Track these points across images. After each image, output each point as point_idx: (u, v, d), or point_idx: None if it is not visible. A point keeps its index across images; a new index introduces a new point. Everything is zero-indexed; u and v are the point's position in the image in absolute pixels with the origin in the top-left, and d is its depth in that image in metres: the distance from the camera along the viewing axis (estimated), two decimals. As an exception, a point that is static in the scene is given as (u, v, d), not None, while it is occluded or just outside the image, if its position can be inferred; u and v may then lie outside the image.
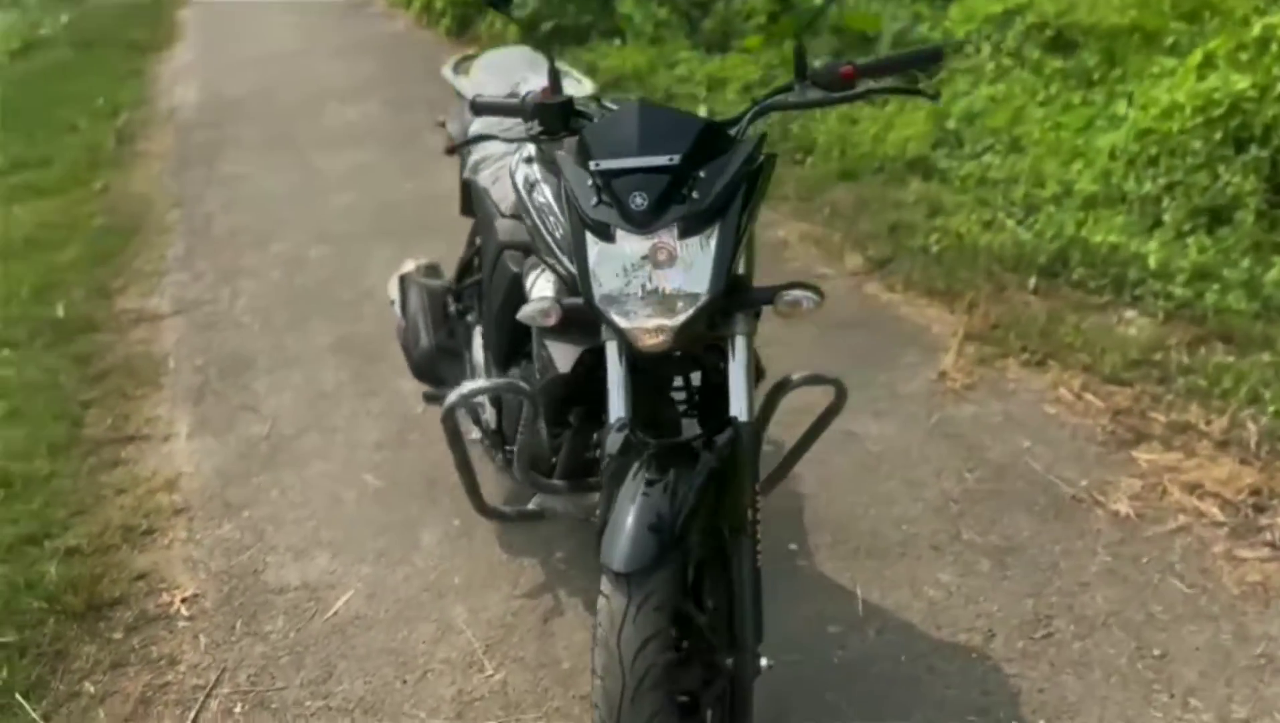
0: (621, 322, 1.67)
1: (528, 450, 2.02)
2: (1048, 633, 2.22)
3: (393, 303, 2.87)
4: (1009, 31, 6.04)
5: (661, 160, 1.61)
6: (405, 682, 2.31)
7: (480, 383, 1.98)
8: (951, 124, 4.91)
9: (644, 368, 1.85)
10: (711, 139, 1.68)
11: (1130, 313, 3.37)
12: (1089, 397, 2.96)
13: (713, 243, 1.65)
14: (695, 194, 1.64)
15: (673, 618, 1.58)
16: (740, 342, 1.78)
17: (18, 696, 2.40)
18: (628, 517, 1.59)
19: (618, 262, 1.67)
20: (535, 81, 2.77)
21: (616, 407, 1.80)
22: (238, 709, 2.31)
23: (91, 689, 2.41)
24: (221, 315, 4.23)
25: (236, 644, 2.49)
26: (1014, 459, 2.75)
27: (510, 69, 2.89)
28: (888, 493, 2.68)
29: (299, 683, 2.35)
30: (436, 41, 8.67)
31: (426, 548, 2.69)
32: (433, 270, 2.91)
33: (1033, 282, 3.55)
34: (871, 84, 1.84)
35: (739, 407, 1.76)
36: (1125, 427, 2.83)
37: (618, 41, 6.73)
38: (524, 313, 1.84)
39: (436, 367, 2.72)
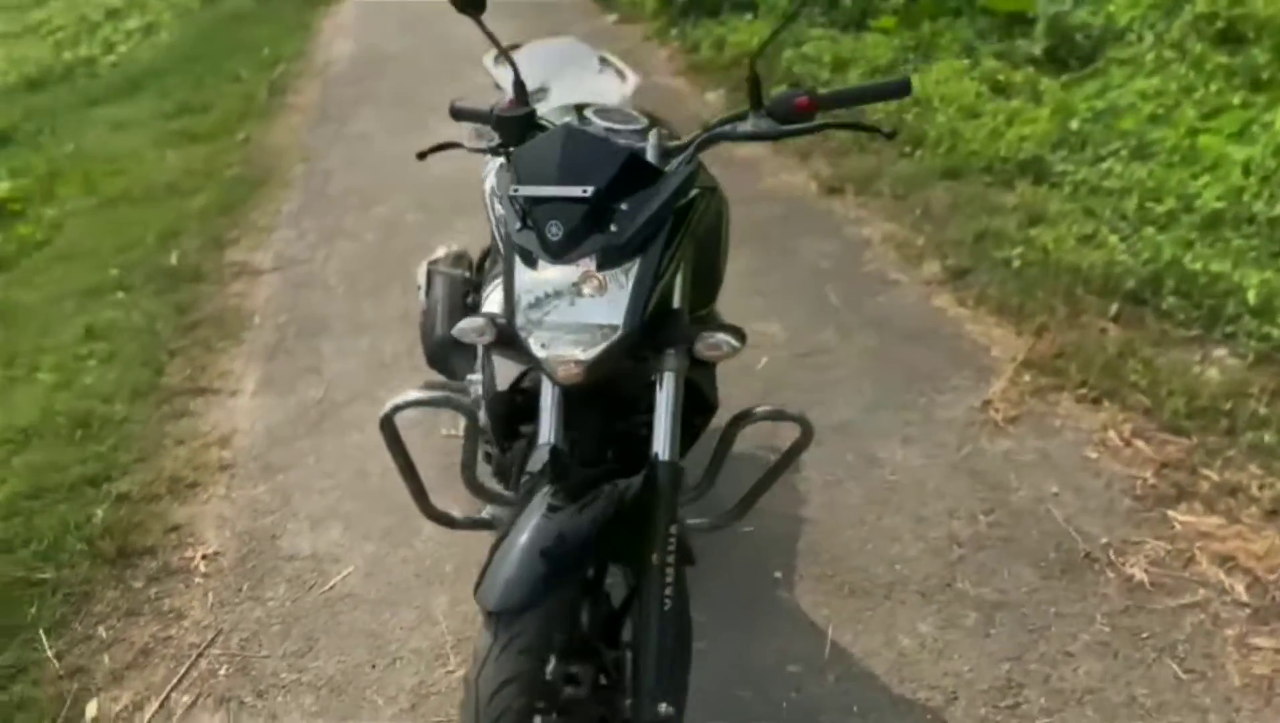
0: (538, 351, 1.65)
1: (471, 463, 2.02)
2: (1015, 703, 2.09)
3: (419, 288, 2.92)
4: (1175, 21, 5.61)
5: (576, 191, 1.57)
6: (374, 666, 2.38)
7: (418, 394, 1.99)
8: (1076, 124, 4.60)
9: (598, 393, 1.83)
10: (637, 170, 1.63)
11: (1218, 352, 3.10)
12: (1138, 444, 2.75)
13: (631, 278, 1.61)
14: (614, 227, 1.60)
15: (541, 660, 1.56)
16: (669, 378, 1.73)
17: (41, 631, 2.59)
18: (513, 551, 1.57)
19: (539, 288, 1.65)
20: (568, 78, 2.76)
21: (546, 430, 1.79)
22: (222, 672, 2.43)
23: (104, 634, 2.58)
24: (313, 275, 4.41)
25: (238, 607, 2.62)
26: (1036, 505, 2.59)
27: (549, 63, 2.87)
28: (891, 528, 2.57)
29: (280, 654, 2.45)
30: (583, 7, 8.69)
31: (429, 533, 2.74)
32: (460, 259, 2.95)
33: (1114, 308, 3.31)
34: (827, 118, 1.74)
35: (661, 444, 1.71)
36: (1169, 482, 2.61)
37: (750, 16, 6.58)
38: (459, 329, 1.83)
39: (449, 357, 2.75)
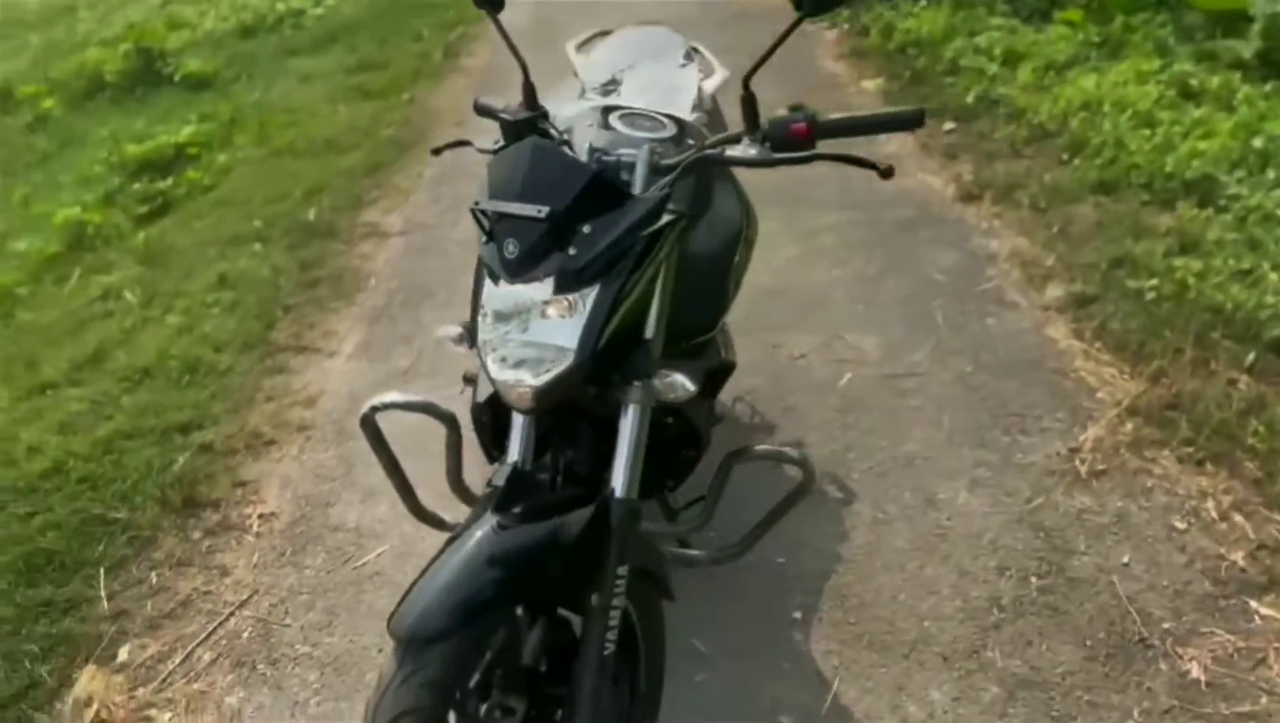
0: (493, 370, 1.59)
1: (455, 469, 1.99)
2: (1013, 798, 1.90)
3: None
4: None
5: (532, 210, 1.49)
6: (380, 651, 2.40)
7: (398, 397, 1.96)
8: (1261, 141, 4.13)
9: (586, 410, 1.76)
10: (603, 192, 1.53)
11: (1363, 424, 2.72)
12: (1237, 518, 2.44)
13: (588, 305, 1.52)
14: (574, 250, 1.51)
15: (446, 696, 1.51)
16: (632, 411, 1.64)
17: (101, 570, 2.75)
18: (436, 577, 1.52)
19: (499, 305, 1.58)
20: (645, 70, 2.65)
21: (514, 448, 1.73)
22: (245, 634, 2.51)
23: (154, 581, 2.71)
24: (434, 242, 4.48)
25: (278, 571, 2.70)
26: (1098, 575, 2.34)
27: (631, 53, 2.77)
28: (931, 579, 2.38)
29: (301, 625, 2.51)
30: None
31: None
32: None
33: (1251, 357, 2.95)
34: (824, 149, 1.58)
35: (618, 480, 1.63)
36: (1261, 567, 2.31)
37: (923, 2, 6.22)
38: (438, 335, 1.80)
39: None
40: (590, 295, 1.52)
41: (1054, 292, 3.44)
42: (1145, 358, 3.02)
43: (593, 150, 1.74)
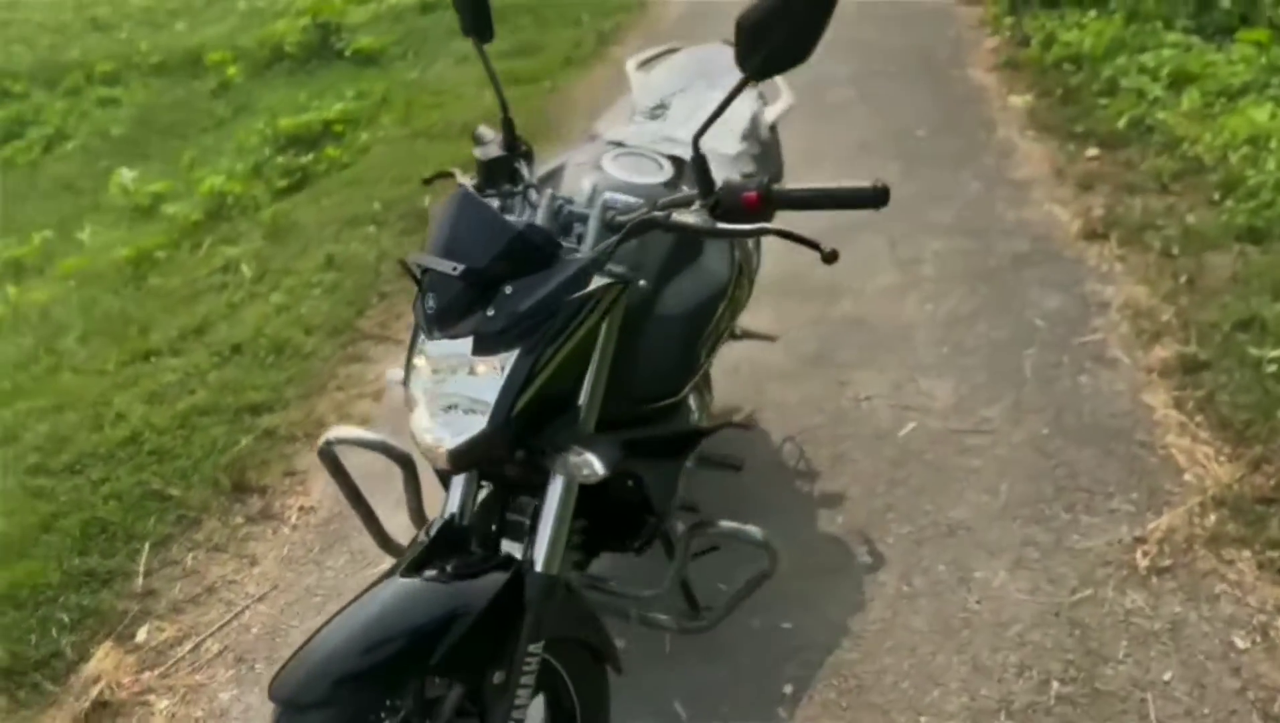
0: (414, 427, 1.53)
1: (415, 507, 1.95)
2: None
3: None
4: None
5: (447, 267, 1.42)
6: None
7: (355, 433, 1.93)
8: None
9: None
10: (529, 251, 1.44)
11: None
12: (1310, 645, 2.15)
13: (506, 370, 1.44)
14: (492, 311, 1.43)
15: None
16: (558, 482, 1.55)
17: (146, 545, 2.86)
18: (329, 639, 1.47)
19: (428, 357, 1.53)
20: (697, 93, 2.54)
21: (450, 500, 1.69)
22: (255, 631, 2.56)
23: (189, 563, 2.80)
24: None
25: (302, 567, 2.74)
26: (1131, 690, 2.10)
27: (689, 74, 2.66)
28: (941, 669, 2.19)
29: (306, 628, 2.53)
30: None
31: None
32: None
33: (1375, 452, 2.59)
34: (769, 224, 1.45)
35: (538, 553, 1.55)
36: (1324, 709, 2.02)
37: (1093, 13, 5.77)
38: (388, 376, 1.76)
39: None
40: (510, 359, 1.44)
41: (1162, 352, 3.12)
42: (1248, 440, 2.70)
43: (554, 200, 1.65)
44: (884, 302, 3.57)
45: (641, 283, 1.67)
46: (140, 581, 2.74)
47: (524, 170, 1.76)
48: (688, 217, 1.48)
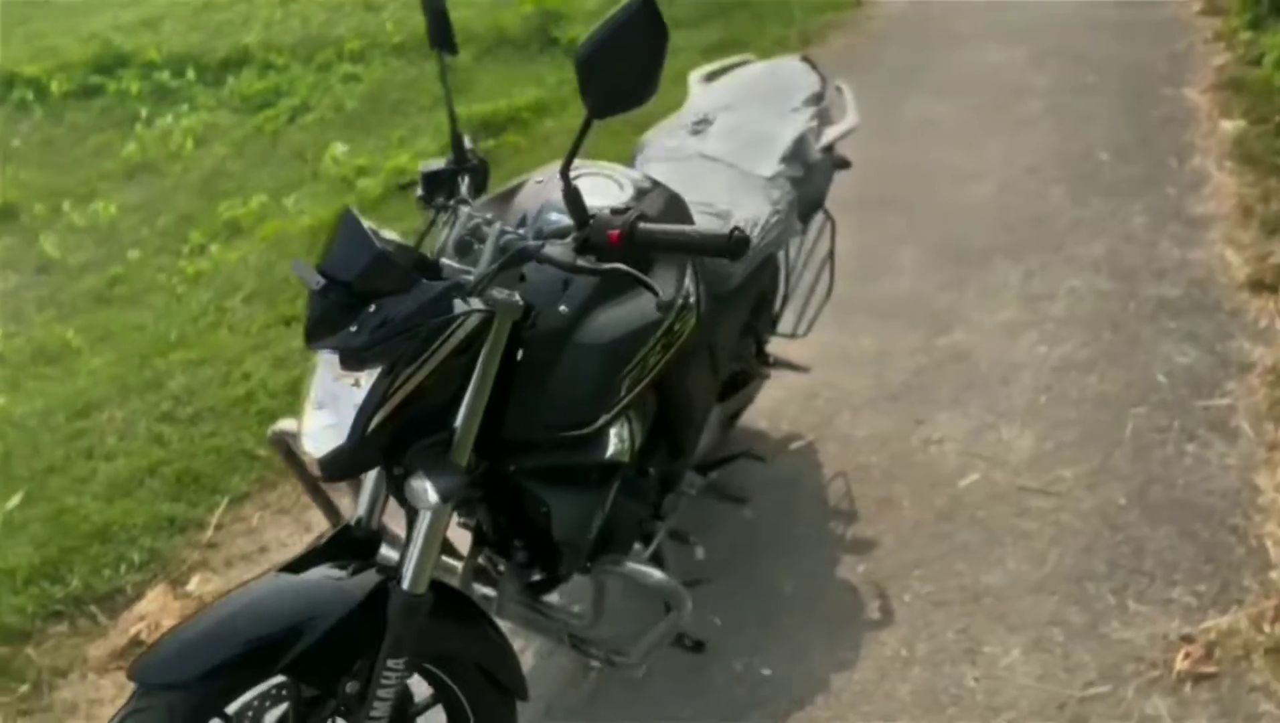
0: (302, 426, 1.57)
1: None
2: None
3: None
4: None
5: (312, 281, 1.45)
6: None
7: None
8: None
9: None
10: (389, 272, 1.44)
11: None
12: (1351, 794, 1.84)
13: (364, 387, 1.46)
14: (354, 328, 1.45)
15: None
16: (423, 514, 1.55)
17: (225, 499, 3.07)
18: (197, 624, 1.53)
19: (322, 362, 1.57)
20: (746, 110, 2.47)
21: (360, 501, 1.73)
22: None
23: (254, 522, 3.02)
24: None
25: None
26: (1114, 807, 1.87)
27: (745, 89, 2.59)
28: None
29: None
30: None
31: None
32: None
33: None
34: (620, 264, 1.38)
35: (406, 573, 1.56)
36: None
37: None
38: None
39: None
40: (370, 377, 1.45)
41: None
42: (1360, 545, 2.34)
43: (469, 219, 1.64)
44: (996, 337, 3.32)
45: (562, 309, 1.64)
46: (209, 533, 2.95)
47: (463, 185, 1.75)
48: (555, 250, 1.43)
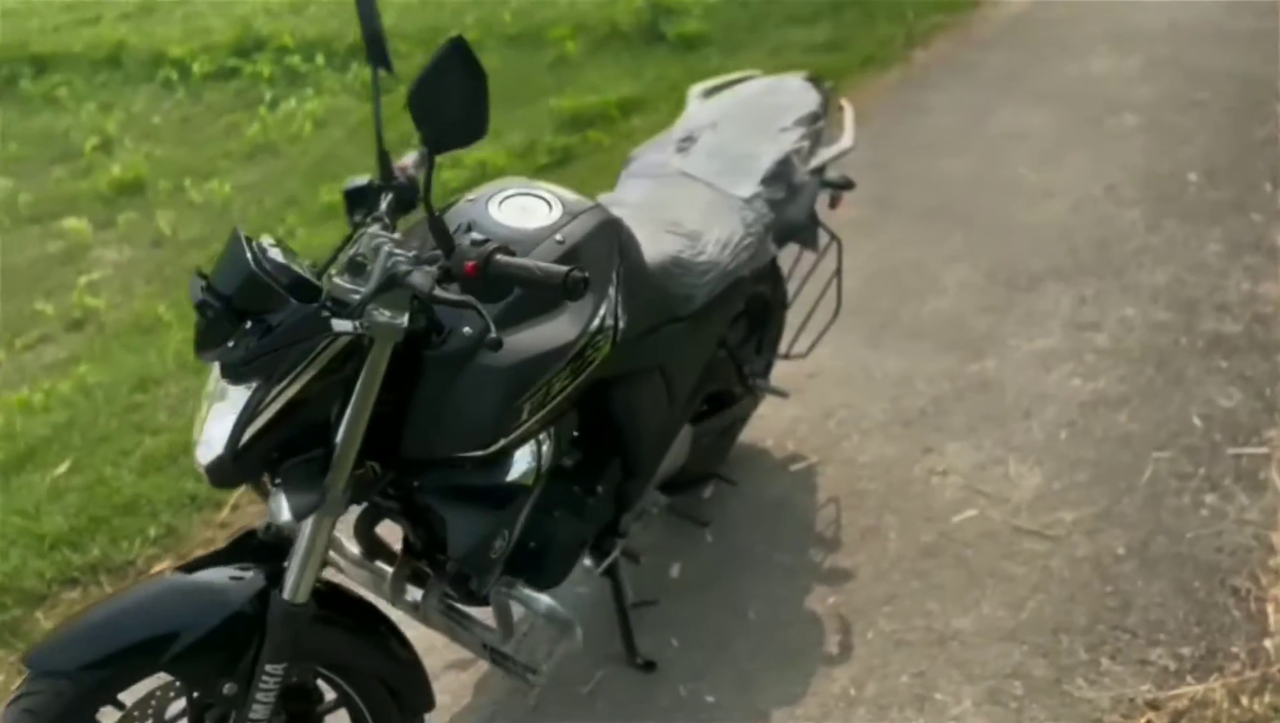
0: (196, 431, 1.62)
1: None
2: None
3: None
4: None
5: (197, 296, 1.50)
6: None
7: None
8: None
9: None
10: (260, 292, 1.47)
11: None
12: None
13: (240, 401, 1.50)
14: (231, 343, 1.49)
15: None
16: (312, 518, 1.58)
17: (230, 497, 3.19)
18: (94, 616, 1.59)
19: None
20: (728, 130, 2.46)
21: (274, 503, 1.78)
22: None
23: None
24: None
25: (349, 529, 2.95)
26: None
27: (737, 106, 2.55)
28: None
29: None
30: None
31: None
32: None
33: None
34: (468, 296, 1.38)
35: (288, 582, 1.61)
36: None
37: None
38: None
39: None
40: (244, 392, 1.50)
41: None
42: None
43: (372, 240, 1.65)
44: (1030, 367, 3.18)
45: (466, 330, 1.64)
46: (225, 512, 3.08)
47: (384, 203, 1.77)
48: (418, 277, 1.44)
